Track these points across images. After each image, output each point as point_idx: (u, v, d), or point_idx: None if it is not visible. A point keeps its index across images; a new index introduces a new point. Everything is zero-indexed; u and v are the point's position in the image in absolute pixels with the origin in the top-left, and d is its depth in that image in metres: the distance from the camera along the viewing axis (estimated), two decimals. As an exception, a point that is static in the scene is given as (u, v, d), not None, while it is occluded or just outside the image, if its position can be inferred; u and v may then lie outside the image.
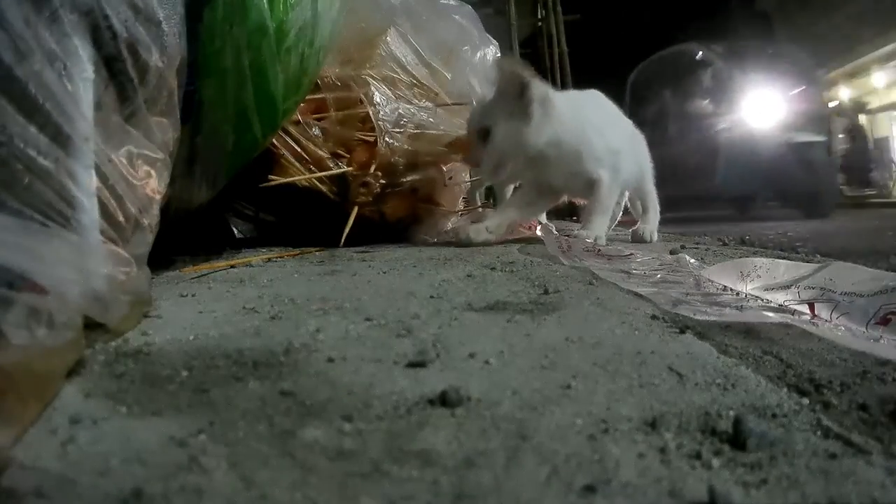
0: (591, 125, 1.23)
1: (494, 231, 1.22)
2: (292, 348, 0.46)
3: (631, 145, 1.40)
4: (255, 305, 0.60)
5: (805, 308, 0.57)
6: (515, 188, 1.49)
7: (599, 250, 0.98)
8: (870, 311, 0.52)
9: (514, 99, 1.14)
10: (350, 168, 1.24)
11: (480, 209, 1.65)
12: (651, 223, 1.46)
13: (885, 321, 0.50)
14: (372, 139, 1.27)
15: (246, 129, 0.91)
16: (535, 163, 1.21)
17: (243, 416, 0.34)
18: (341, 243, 1.10)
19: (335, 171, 1.23)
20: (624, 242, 1.34)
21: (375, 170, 1.25)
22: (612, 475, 0.27)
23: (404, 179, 1.31)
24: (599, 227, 1.23)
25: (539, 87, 1.16)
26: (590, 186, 1.25)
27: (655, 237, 1.42)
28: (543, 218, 1.73)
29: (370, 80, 1.29)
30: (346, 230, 1.13)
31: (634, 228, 1.45)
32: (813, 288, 0.58)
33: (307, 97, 1.17)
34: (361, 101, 1.27)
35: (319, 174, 1.22)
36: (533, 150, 1.16)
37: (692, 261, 0.84)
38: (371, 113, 1.25)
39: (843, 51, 8.48)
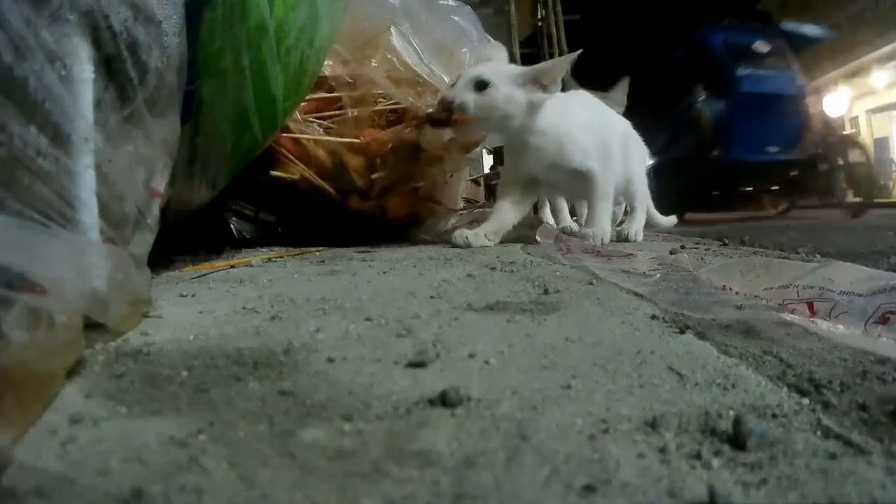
0: (576, 122, 1.27)
1: (493, 238, 1.23)
2: (292, 348, 0.46)
3: (622, 143, 1.43)
4: (255, 305, 0.60)
5: (804, 308, 0.57)
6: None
7: (599, 251, 0.99)
8: (868, 310, 0.52)
9: (531, 82, 1.18)
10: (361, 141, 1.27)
11: (481, 208, 1.65)
12: (636, 223, 1.49)
13: (883, 320, 0.50)
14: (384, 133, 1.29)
15: (246, 128, 0.91)
16: (518, 152, 1.26)
17: (243, 416, 0.34)
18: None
19: (351, 139, 1.25)
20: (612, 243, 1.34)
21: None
22: (612, 475, 0.27)
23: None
24: (604, 220, 1.27)
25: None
26: (583, 180, 1.28)
27: (640, 237, 1.45)
28: (549, 218, 1.74)
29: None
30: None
31: (619, 228, 1.48)
32: (812, 287, 0.59)
33: (308, 96, 1.17)
34: (374, 99, 1.29)
35: (339, 140, 1.24)
36: (516, 127, 1.21)
37: (692, 261, 0.84)
38: (405, 103, 1.28)
39: (843, 51, 8.48)
